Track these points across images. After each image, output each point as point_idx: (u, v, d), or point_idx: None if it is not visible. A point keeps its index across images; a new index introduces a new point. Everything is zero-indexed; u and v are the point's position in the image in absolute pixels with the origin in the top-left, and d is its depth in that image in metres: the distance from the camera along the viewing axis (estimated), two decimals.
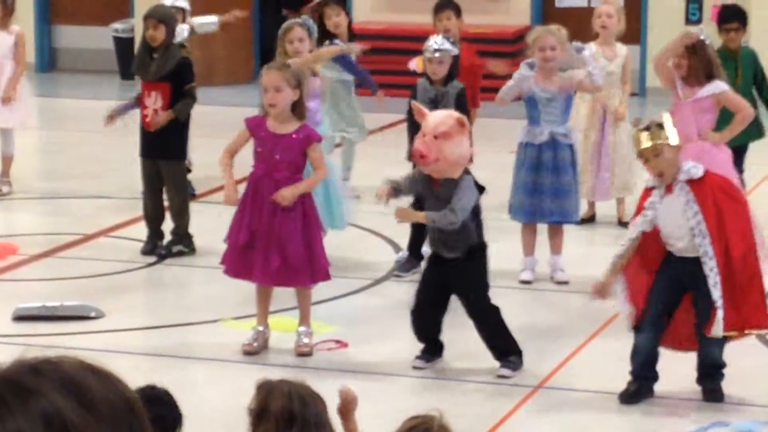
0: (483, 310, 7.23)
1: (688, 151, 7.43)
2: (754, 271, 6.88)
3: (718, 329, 6.66)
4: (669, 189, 6.75)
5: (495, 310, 7.19)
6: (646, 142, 6.80)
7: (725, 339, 6.79)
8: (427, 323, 7.33)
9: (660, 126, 6.89)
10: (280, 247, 7.42)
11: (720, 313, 6.63)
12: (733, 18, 10.16)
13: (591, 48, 9.50)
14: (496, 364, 7.19)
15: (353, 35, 11.05)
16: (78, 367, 1.23)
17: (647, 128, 6.96)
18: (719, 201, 6.77)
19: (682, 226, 6.73)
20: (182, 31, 10.17)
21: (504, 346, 7.20)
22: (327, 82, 9.38)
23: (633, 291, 6.99)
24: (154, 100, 9.24)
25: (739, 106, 8.46)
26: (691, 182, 6.73)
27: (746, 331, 6.91)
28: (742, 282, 6.78)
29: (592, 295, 7.22)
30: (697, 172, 6.76)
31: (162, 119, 9.14)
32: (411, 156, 7.28)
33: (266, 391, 4.27)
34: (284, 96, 7.40)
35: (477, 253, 7.22)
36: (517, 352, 7.19)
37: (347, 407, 4.64)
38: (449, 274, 7.26)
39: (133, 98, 9.61)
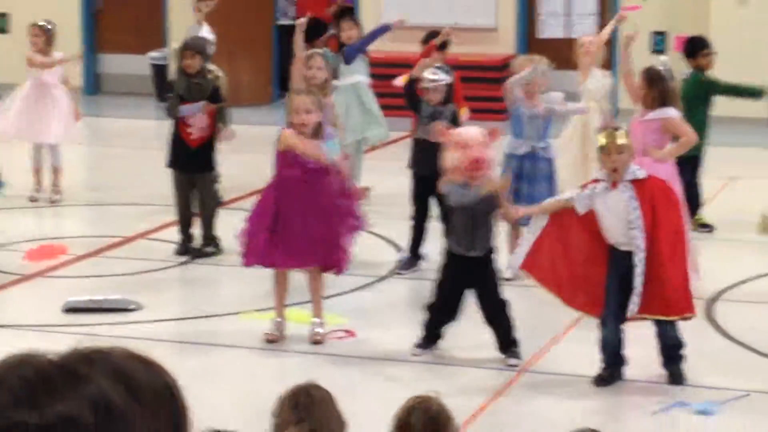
0: (498, 302, 7.29)
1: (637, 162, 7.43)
2: (682, 266, 6.96)
3: (633, 310, 6.78)
4: (614, 185, 6.84)
5: (507, 304, 7.27)
6: (618, 138, 6.89)
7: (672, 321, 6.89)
8: (444, 318, 7.37)
9: (623, 132, 7.08)
10: (311, 239, 7.50)
11: (636, 299, 6.74)
12: (707, 45, 10.33)
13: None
14: (487, 349, 7.26)
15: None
16: (126, 356, 1.23)
17: (618, 129, 7.14)
18: (656, 201, 6.85)
19: (621, 219, 6.81)
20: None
21: (510, 337, 7.26)
22: (334, 107, 9.30)
23: (537, 258, 7.17)
24: (199, 119, 9.31)
25: (684, 132, 8.46)
26: (635, 182, 6.82)
27: (674, 317, 6.94)
28: (670, 275, 6.85)
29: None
30: (641, 173, 6.88)
31: (229, 135, 9.36)
32: (472, 165, 7.16)
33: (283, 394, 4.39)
34: (313, 117, 7.51)
35: (492, 252, 7.34)
36: (517, 343, 7.26)
37: None
38: (471, 271, 7.31)
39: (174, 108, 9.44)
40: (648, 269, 6.79)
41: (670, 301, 6.87)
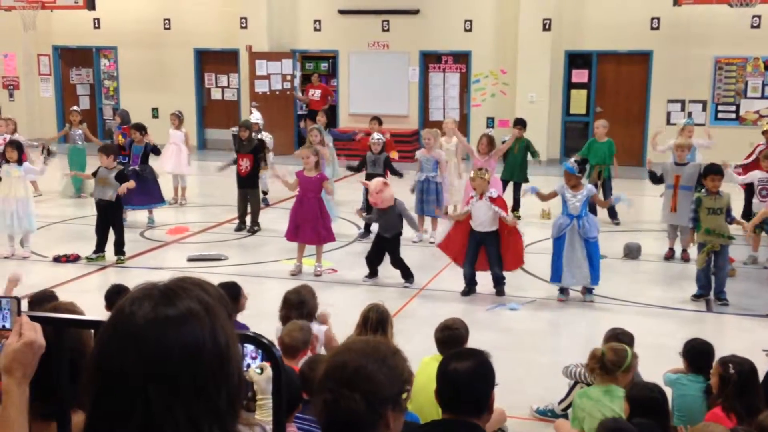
0: (398, 258, 7.25)
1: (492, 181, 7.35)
2: (517, 244, 6.88)
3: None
4: (481, 197, 6.81)
5: (401, 259, 7.24)
6: (481, 176, 6.82)
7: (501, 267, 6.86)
8: (373, 262, 7.34)
9: (486, 171, 6.98)
10: (313, 227, 7.40)
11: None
12: (518, 122, 10.00)
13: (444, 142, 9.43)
14: (400, 280, 7.22)
15: (327, 126, 10.73)
16: (201, 280, 1.22)
17: (481, 168, 7.02)
18: (500, 206, 6.85)
19: (485, 215, 6.79)
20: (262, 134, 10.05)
21: (407, 272, 7.23)
22: (328, 151, 9.30)
23: (449, 240, 7.00)
24: (246, 163, 9.17)
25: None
26: (490, 198, 6.82)
27: (512, 269, 6.94)
28: (508, 248, 6.85)
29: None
30: (494, 194, 6.86)
31: (275, 172, 8.99)
32: (373, 200, 7.16)
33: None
34: (311, 160, 7.43)
35: (397, 234, 7.23)
36: (412, 276, 7.23)
37: None
38: (385, 242, 7.24)
39: (231, 161, 9.41)
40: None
41: (512, 262, 6.86)
